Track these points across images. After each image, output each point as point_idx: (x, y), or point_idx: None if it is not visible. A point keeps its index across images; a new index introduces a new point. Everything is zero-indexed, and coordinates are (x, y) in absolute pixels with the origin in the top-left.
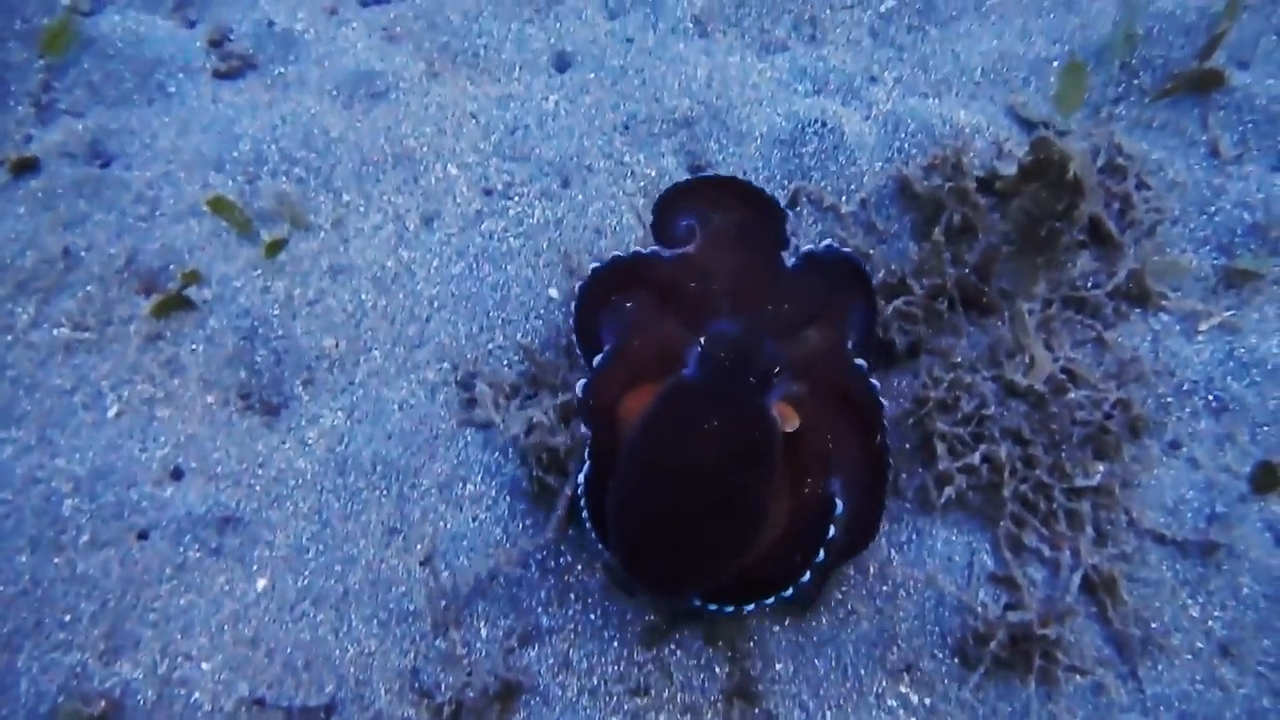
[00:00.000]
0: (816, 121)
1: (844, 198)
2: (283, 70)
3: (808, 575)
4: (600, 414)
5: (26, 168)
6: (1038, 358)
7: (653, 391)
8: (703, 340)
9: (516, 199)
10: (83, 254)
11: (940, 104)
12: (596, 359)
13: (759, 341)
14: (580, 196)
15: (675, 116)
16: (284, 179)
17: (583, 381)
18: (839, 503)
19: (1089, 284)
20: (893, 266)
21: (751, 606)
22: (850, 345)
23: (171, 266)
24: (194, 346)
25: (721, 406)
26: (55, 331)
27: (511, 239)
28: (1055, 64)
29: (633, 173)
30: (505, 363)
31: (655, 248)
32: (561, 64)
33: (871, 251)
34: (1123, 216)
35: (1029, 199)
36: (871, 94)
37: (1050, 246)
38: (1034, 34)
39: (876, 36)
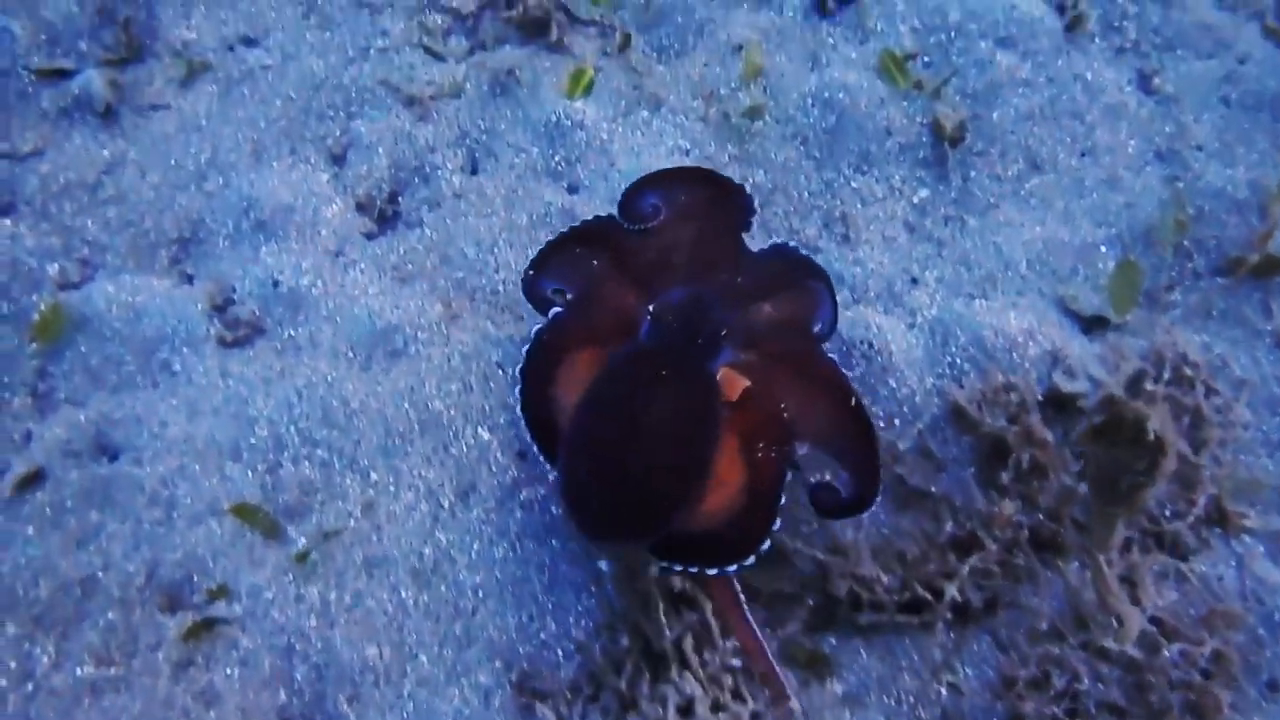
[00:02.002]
0: (863, 343)
1: (900, 437)
2: (293, 333)
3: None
4: (549, 354)
5: (31, 482)
6: (1126, 617)
7: (605, 353)
8: (653, 307)
9: None
10: (99, 574)
11: (988, 306)
12: (553, 311)
13: (706, 307)
14: None
15: None
16: (306, 464)
17: (535, 327)
18: (788, 471)
19: (1167, 514)
20: (959, 515)
21: (714, 571)
22: (816, 329)
23: (195, 577)
24: (228, 671)
25: (665, 368)
26: (79, 671)
27: (553, 508)
28: (1103, 249)
29: None
30: (560, 653)
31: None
32: None
33: (933, 488)
34: (1194, 430)
35: (1106, 460)
36: (914, 298)
37: (1131, 501)
38: (1078, 217)
39: (913, 231)
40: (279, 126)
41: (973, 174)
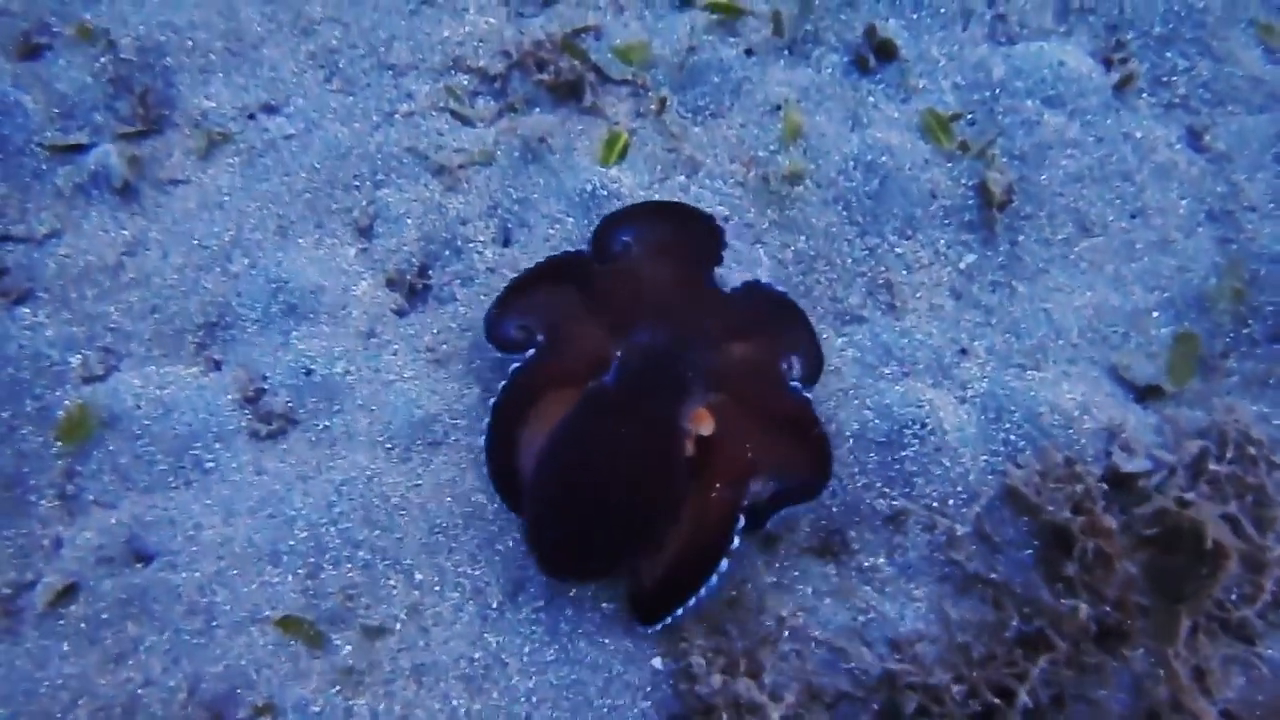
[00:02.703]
0: (915, 423)
1: (957, 520)
2: (328, 424)
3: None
4: (522, 394)
5: (66, 596)
6: (1200, 715)
7: (575, 394)
8: (620, 351)
9: None
10: (140, 692)
11: (1040, 378)
12: (530, 352)
13: (675, 351)
14: None
15: None
16: (348, 565)
17: (514, 366)
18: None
19: (1233, 599)
20: (1023, 606)
21: (671, 618)
22: (791, 369)
23: (239, 690)
24: None
25: (631, 413)
26: None
27: (605, 604)
28: (1155, 314)
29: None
30: None
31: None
32: None
33: (994, 574)
34: (1258, 509)
35: (1166, 565)
36: (964, 371)
37: (1195, 601)
38: (1129, 281)
39: (960, 298)
40: (304, 200)
41: (1020, 238)
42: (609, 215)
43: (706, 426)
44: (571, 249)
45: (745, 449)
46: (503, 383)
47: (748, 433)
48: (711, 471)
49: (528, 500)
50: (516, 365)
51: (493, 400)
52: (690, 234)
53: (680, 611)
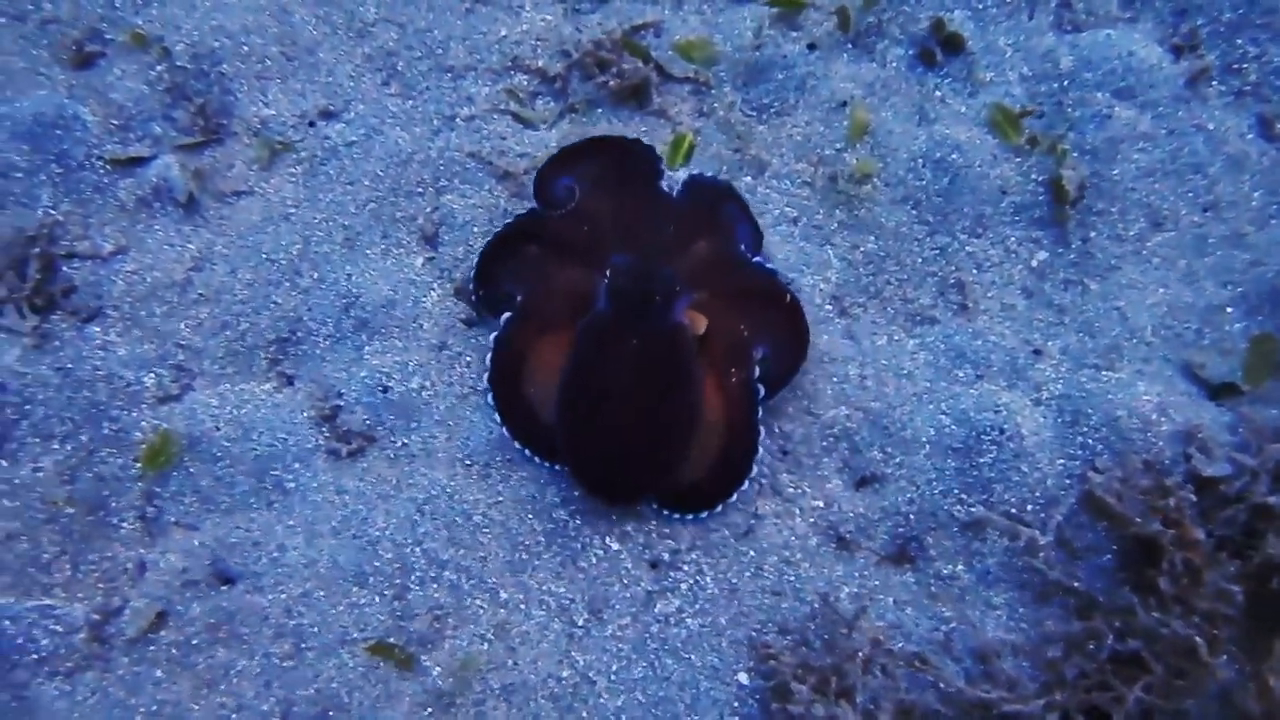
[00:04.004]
0: (993, 429)
1: (1037, 527)
2: (406, 441)
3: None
4: (513, 355)
5: (158, 623)
6: None
7: (567, 337)
8: (606, 275)
9: (685, 567)
10: (233, 718)
11: (1115, 378)
12: (505, 316)
13: (656, 265)
14: (751, 552)
15: (834, 431)
16: (434, 586)
17: (494, 335)
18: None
19: None
20: (1111, 617)
21: (719, 507)
22: (741, 248)
23: (331, 714)
24: None
25: (634, 329)
26: None
27: (689, 619)
28: (1228, 310)
29: (800, 508)
30: None
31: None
32: None
33: (1076, 583)
34: None
35: (1263, 595)
36: (1038, 372)
37: None
38: (1201, 276)
39: (1031, 297)
40: (369, 209)
41: (1092, 234)
42: (543, 166)
43: (701, 325)
44: (520, 212)
45: (739, 329)
46: (490, 352)
47: (735, 315)
48: (717, 361)
49: (563, 439)
50: (498, 332)
51: (487, 369)
52: (624, 157)
53: (734, 495)
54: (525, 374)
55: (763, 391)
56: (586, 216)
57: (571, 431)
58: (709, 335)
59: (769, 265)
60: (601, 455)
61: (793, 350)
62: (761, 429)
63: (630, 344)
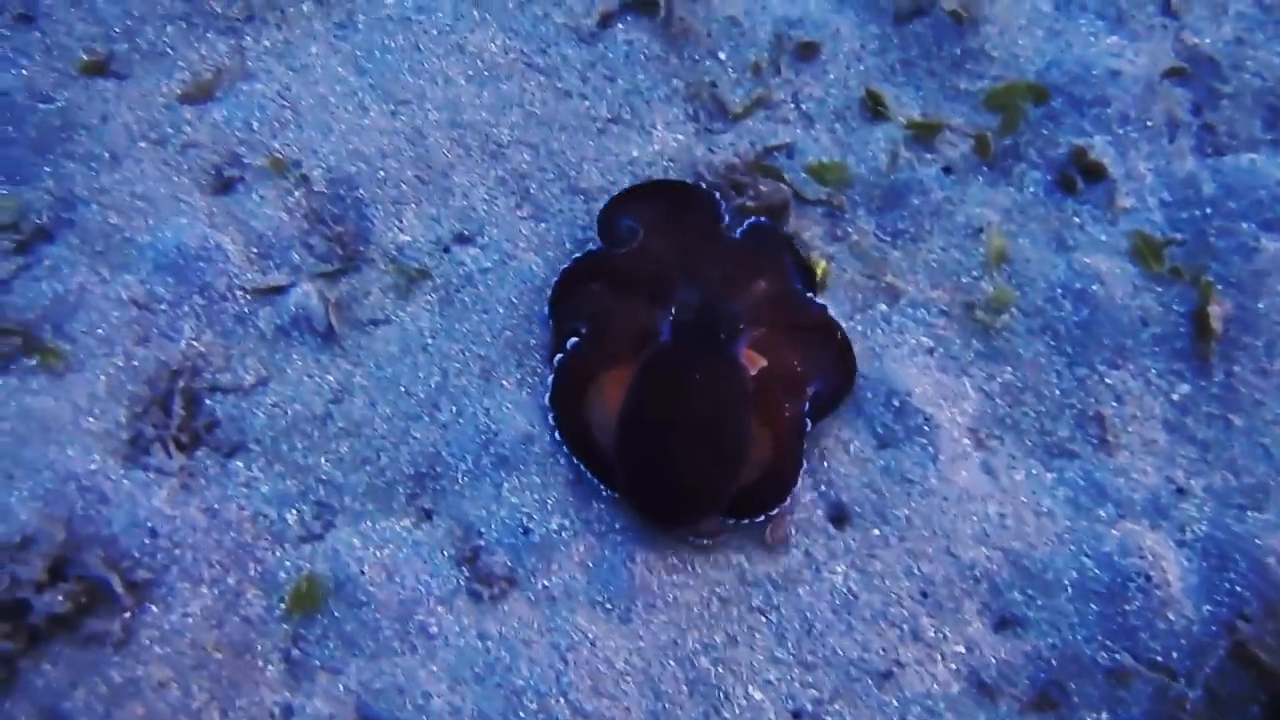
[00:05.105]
0: (1139, 575)
1: (1187, 679)
2: (546, 583)
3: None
4: (574, 379)
5: None
6: None
7: (628, 370)
8: (672, 310)
9: (828, 719)
10: None
11: (1262, 520)
12: (569, 343)
13: (719, 301)
14: (894, 701)
15: (975, 573)
16: None
17: (557, 358)
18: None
19: None
20: None
21: (762, 518)
22: (798, 285)
23: None
24: None
25: (697, 363)
26: None
27: None
28: None
29: (942, 653)
30: None
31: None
32: (835, 515)
33: None
34: None
35: None
36: (1181, 512)
37: None
38: None
39: (1174, 432)
40: (504, 338)
41: (1235, 368)
42: (604, 207)
43: (758, 365)
44: (580, 253)
45: (795, 365)
46: (551, 377)
47: (791, 351)
48: (774, 396)
49: (623, 467)
50: (560, 356)
51: (548, 395)
52: (687, 198)
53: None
54: (587, 401)
55: (810, 425)
56: (650, 255)
57: (631, 459)
58: (767, 371)
59: (823, 303)
60: (659, 482)
61: (841, 384)
62: (804, 461)
63: (691, 377)
